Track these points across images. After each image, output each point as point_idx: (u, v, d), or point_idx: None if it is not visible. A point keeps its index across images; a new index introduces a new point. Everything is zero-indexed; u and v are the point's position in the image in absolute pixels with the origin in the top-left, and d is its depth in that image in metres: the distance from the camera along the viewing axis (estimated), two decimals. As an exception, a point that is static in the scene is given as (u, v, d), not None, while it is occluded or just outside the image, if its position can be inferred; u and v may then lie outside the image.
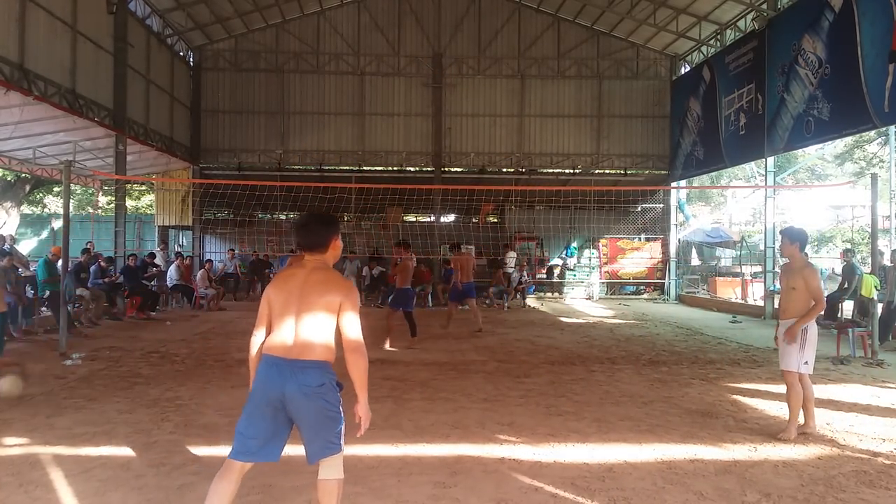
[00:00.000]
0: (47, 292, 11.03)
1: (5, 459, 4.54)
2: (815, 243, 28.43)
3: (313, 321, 3.08)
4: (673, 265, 20.83)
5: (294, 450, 4.78)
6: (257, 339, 3.30)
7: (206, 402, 6.28)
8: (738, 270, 19.67)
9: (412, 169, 20.97)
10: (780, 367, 5.44)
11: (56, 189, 24.86)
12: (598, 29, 20.51)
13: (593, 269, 21.04)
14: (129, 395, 6.49)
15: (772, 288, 15.12)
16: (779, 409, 6.19)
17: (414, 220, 23.38)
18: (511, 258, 18.76)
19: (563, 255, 21.48)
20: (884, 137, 22.08)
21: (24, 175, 19.65)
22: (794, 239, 5.41)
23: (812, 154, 25.40)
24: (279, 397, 3.06)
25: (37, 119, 12.00)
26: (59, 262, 9.78)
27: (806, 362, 5.26)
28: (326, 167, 20.66)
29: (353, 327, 3.11)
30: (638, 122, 20.97)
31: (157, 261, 15.47)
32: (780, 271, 5.62)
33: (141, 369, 7.88)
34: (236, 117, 20.31)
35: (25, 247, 20.70)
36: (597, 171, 20.87)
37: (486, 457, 4.72)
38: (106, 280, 12.84)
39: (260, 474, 4.31)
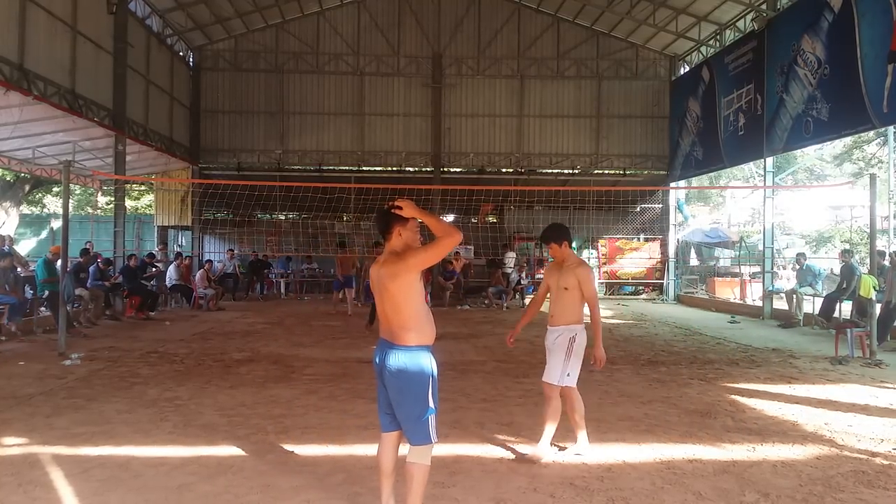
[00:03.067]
0: (46, 292, 11.03)
1: (4, 459, 4.54)
2: (814, 243, 28.46)
3: (392, 307, 3.36)
4: (672, 265, 20.83)
5: (292, 448, 4.80)
6: None
7: (205, 401, 6.28)
8: (737, 271, 19.69)
9: (411, 169, 20.97)
10: (541, 378, 4.85)
11: (55, 189, 24.85)
12: (597, 29, 20.52)
13: (592, 269, 21.01)
14: (128, 395, 6.49)
15: (770, 288, 15.14)
16: (777, 409, 6.20)
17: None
18: (510, 258, 18.78)
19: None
20: (882, 138, 22.13)
21: (23, 175, 19.64)
22: (561, 237, 4.80)
23: (811, 154, 25.46)
24: (380, 374, 3.41)
25: (36, 119, 11.99)
26: (59, 262, 9.78)
27: (569, 374, 4.70)
28: (326, 167, 20.65)
29: (408, 289, 3.40)
30: (637, 123, 20.98)
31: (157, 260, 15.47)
32: (545, 271, 4.99)
33: (140, 369, 7.88)
34: (236, 117, 20.29)
35: (24, 247, 20.70)
36: (596, 172, 20.88)
37: (485, 456, 4.73)
38: (107, 283, 12.85)
39: (259, 474, 4.32)
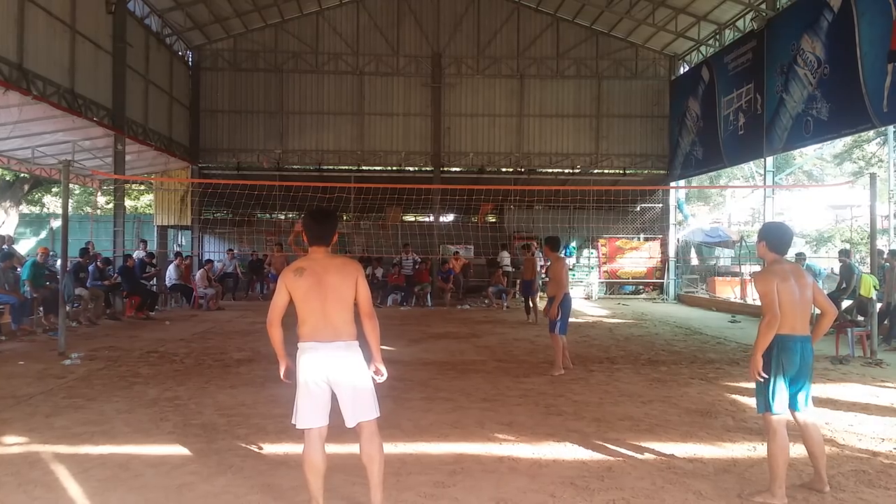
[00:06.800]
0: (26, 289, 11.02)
1: (4, 459, 4.54)
2: (814, 243, 28.45)
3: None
4: (672, 265, 20.83)
5: (291, 448, 4.78)
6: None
7: (205, 401, 6.27)
8: (737, 270, 19.68)
9: (411, 169, 20.96)
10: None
11: (55, 189, 24.83)
12: (597, 29, 20.51)
13: (592, 268, 21.04)
14: (128, 395, 6.49)
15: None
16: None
17: (413, 219, 23.37)
18: (506, 258, 18.74)
19: (562, 255, 21.45)
20: (882, 137, 22.09)
21: (22, 175, 19.64)
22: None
23: (811, 154, 25.44)
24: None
25: (36, 119, 11.98)
26: (58, 263, 9.77)
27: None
28: (325, 167, 20.63)
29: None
30: (637, 122, 20.97)
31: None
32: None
33: (140, 369, 7.88)
34: (235, 117, 20.27)
35: (24, 246, 20.68)
36: (596, 171, 20.86)
37: (486, 456, 4.73)
38: (106, 283, 12.84)
39: (259, 474, 4.32)
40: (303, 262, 3.55)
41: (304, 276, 3.48)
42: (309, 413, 3.51)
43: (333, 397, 3.57)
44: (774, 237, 4.13)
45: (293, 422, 3.57)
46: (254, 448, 4.86)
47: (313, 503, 3.55)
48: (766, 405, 3.97)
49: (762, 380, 3.96)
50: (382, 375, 3.69)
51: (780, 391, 3.94)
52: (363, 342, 3.60)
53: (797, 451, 4.84)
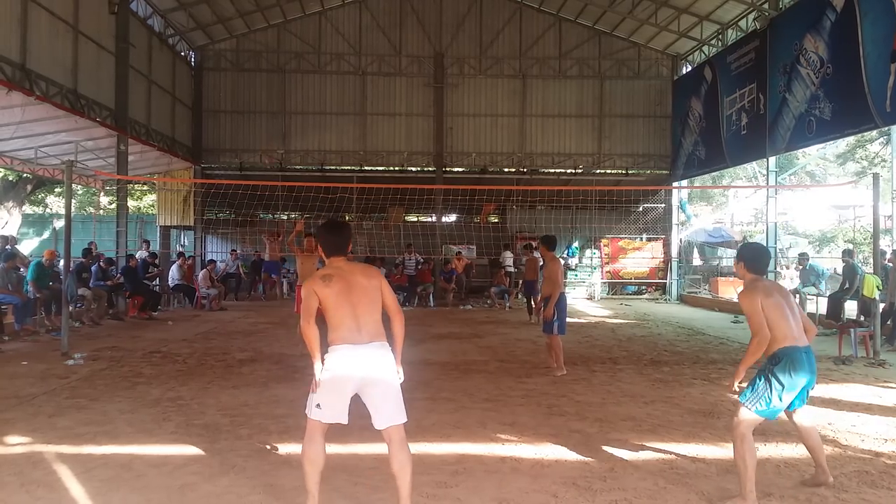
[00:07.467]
0: (28, 289, 11.05)
1: (7, 459, 4.54)
2: (817, 243, 28.40)
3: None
4: (674, 265, 20.81)
5: (293, 448, 4.79)
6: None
7: (208, 401, 6.28)
8: (740, 270, 19.61)
9: (414, 169, 20.96)
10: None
11: (58, 189, 24.89)
12: (599, 29, 20.50)
13: (595, 268, 21.02)
14: (131, 395, 6.50)
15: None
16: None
17: (416, 219, 23.38)
18: (508, 258, 18.74)
19: (565, 255, 21.44)
20: (886, 137, 22.04)
21: (25, 175, 19.68)
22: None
23: (814, 154, 25.38)
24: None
25: (38, 119, 12.01)
26: (61, 264, 9.78)
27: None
28: (328, 167, 20.66)
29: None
30: (639, 122, 20.96)
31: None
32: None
33: (143, 369, 7.89)
34: (238, 117, 20.30)
35: (27, 246, 20.74)
36: (598, 171, 20.85)
37: (488, 456, 4.72)
38: (109, 283, 12.86)
39: (261, 474, 4.32)
40: (328, 270, 3.60)
41: (332, 282, 3.50)
42: (333, 408, 3.47)
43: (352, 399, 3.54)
44: (752, 257, 4.20)
45: (307, 412, 3.52)
46: (268, 447, 4.88)
47: (310, 499, 3.54)
48: (755, 402, 3.92)
49: (736, 392, 4.14)
50: (400, 377, 3.67)
51: (777, 403, 3.92)
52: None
53: (797, 451, 4.83)
